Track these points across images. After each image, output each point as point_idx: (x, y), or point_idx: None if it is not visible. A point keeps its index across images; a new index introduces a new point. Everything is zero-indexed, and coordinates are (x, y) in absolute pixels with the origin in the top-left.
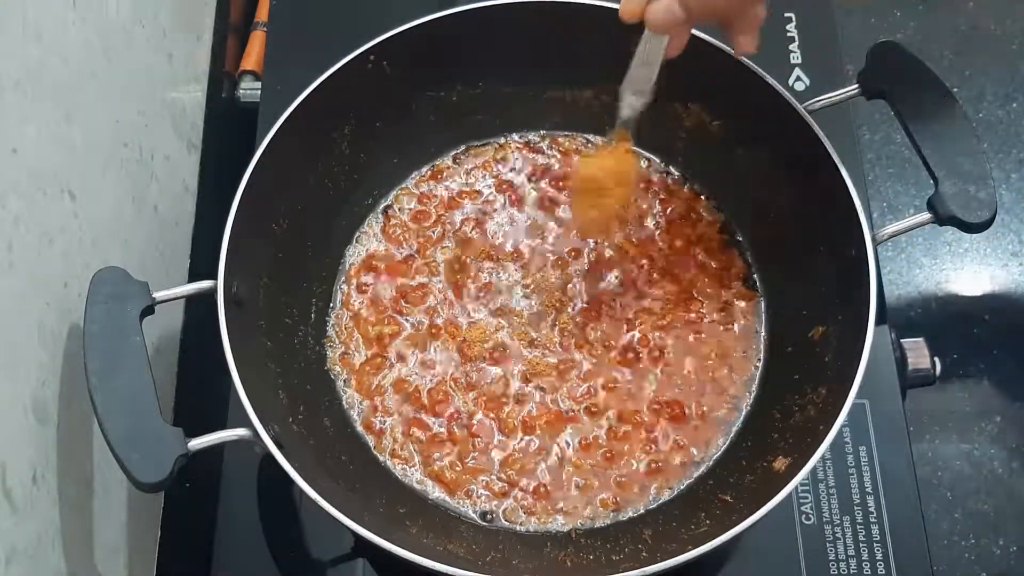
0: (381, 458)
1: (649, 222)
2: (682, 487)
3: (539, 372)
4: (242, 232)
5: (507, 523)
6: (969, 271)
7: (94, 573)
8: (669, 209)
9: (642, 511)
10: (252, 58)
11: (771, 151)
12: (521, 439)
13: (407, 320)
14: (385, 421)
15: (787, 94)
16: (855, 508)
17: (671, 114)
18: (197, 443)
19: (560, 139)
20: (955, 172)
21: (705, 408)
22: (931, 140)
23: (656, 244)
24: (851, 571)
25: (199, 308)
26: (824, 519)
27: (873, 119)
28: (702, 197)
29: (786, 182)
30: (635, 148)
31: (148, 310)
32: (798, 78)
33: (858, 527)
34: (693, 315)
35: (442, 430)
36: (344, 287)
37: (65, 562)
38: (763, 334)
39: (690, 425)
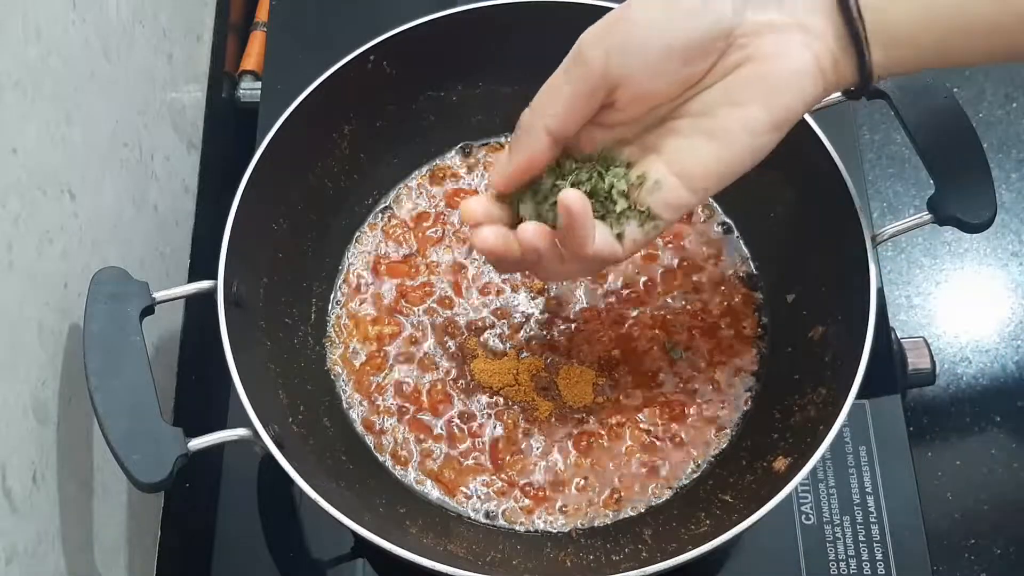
0: (381, 458)
1: None
2: (682, 487)
3: (539, 372)
4: (242, 232)
5: (507, 523)
6: (969, 271)
7: (94, 573)
8: None
9: (642, 511)
10: (252, 58)
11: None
12: (521, 439)
13: (407, 320)
14: (385, 421)
15: None
16: (855, 508)
17: None
18: (197, 443)
19: None
20: (955, 172)
21: (705, 408)
22: (931, 140)
23: (656, 244)
24: (851, 571)
25: (199, 308)
26: (824, 519)
27: (873, 119)
28: None
29: (786, 182)
30: None
31: (148, 310)
32: None
33: (858, 527)
34: (693, 315)
35: (442, 431)
36: (344, 287)
37: (65, 562)
38: (763, 334)
39: (690, 425)
